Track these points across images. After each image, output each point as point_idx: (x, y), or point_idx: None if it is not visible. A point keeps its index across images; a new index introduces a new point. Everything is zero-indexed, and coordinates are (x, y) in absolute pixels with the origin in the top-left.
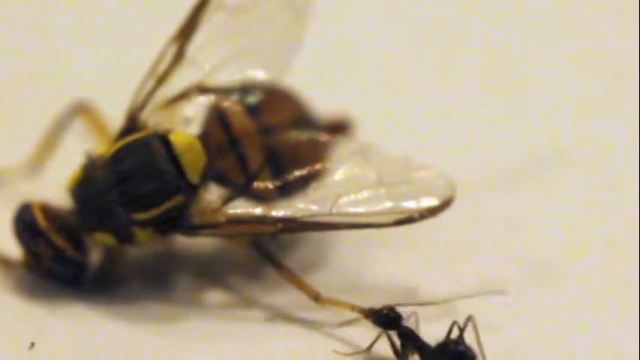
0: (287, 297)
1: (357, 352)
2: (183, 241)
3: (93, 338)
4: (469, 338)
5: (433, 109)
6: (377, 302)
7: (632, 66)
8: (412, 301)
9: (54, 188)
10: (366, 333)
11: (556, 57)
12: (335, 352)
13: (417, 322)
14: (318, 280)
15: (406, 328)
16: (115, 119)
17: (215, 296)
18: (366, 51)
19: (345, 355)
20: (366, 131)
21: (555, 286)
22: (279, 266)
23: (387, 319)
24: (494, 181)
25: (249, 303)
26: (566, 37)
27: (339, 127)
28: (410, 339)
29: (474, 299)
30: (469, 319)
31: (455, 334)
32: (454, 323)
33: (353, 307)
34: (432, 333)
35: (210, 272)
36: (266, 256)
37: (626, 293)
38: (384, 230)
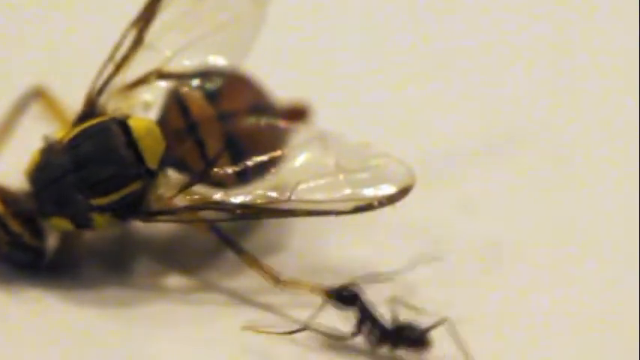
0: (247, 280)
1: (301, 330)
2: (141, 225)
3: (50, 323)
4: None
5: (391, 95)
6: (336, 284)
7: (587, 49)
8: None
9: (11, 173)
10: (326, 314)
11: (512, 40)
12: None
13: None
14: (277, 263)
15: (365, 306)
16: (74, 104)
17: (174, 280)
18: (325, 37)
19: (291, 333)
20: (324, 118)
21: (512, 267)
22: (238, 250)
23: (346, 298)
24: (452, 165)
25: (208, 287)
26: (524, 21)
27: (298, 114)
28: (368, 318)
29: (432, 285)
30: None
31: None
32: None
33: (312, 288)
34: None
35: (169, 256)
36: (225, 240)
37: (583, 273)
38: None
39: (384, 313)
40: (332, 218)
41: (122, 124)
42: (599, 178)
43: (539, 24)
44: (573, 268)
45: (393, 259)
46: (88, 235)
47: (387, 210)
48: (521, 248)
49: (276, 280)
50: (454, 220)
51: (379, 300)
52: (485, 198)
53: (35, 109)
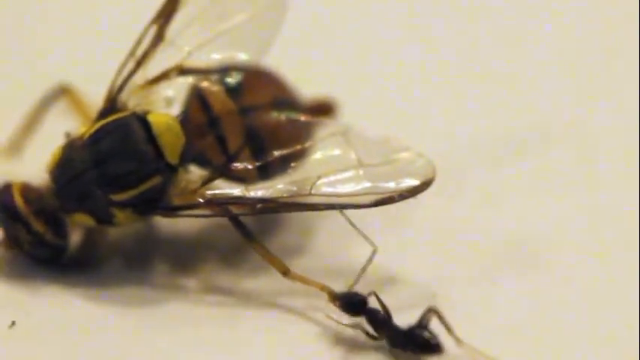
0: (266, 283)
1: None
2: (163, 225)
3: (72, 319)
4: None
5: (415, 90)
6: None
7: (612, 46)
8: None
9: (35, 169)
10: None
11: (538, 37)
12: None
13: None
14: (296, 266)
15: (374, 312)
16: (99, 101)
17: (193, 280)
18: (349, 32)
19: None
20: (347, 113)
21: (537, 266)
22: (251, 239)
23: (352, 305)
24: (476, 161)
25: (227, 287)
26: (551, 18)
27: (321, 109)
28: (378, 322)
29: (458, 284)
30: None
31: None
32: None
33: (322, 287)
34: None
35: (190, 256)
36: (239, 227)
37: (609, 273)
38: (364, 213)
39: (408, 316)
40: (353, 219)
41: (142, 119)
42: (623, 175)
43: (564, 22)
44: (597, 265)
45: (416, 259)
46: (111, 233)
47: (410, 208)
48: (548, 246)
49: (286, 272)
50: (476, 218)
51: (398, 303)
52: (508, 196)
53: (60, 107)
